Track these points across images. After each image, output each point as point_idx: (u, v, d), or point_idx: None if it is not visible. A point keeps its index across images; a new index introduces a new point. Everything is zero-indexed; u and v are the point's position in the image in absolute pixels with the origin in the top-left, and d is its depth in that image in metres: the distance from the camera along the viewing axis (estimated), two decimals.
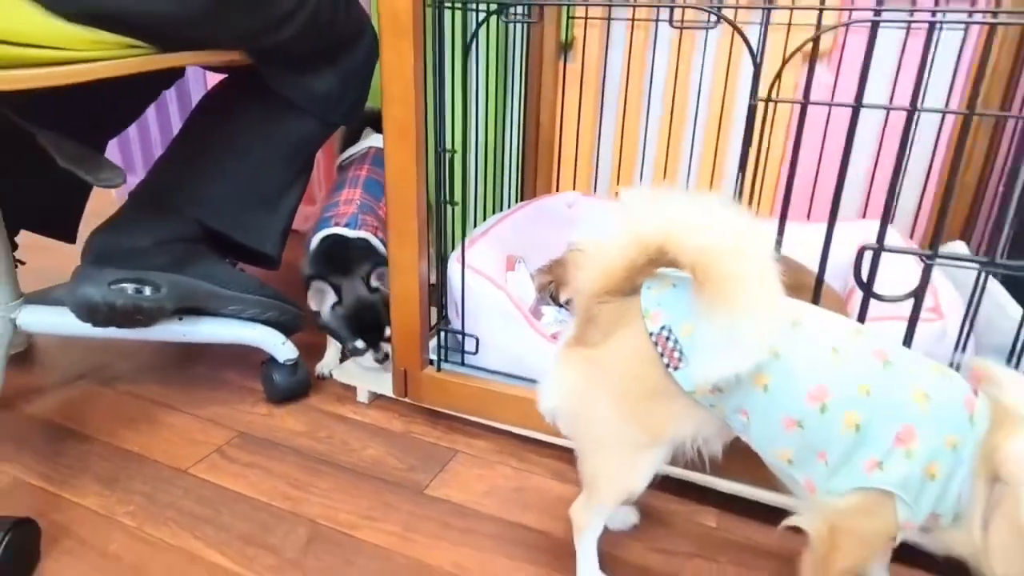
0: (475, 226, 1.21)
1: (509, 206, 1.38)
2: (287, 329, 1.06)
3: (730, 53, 1.31)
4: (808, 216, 1.32)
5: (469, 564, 0.76)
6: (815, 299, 0.74)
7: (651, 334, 0.62)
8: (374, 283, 1.03)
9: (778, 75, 0.71)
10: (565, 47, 1.45)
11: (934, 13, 0.66)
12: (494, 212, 1.35)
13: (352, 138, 1.38)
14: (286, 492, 0.87)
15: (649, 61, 1.41)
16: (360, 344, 1.05)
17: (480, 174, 1.36)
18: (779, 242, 0.75)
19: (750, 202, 0.87)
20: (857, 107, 0.67)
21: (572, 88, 1.46)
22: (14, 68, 0.69)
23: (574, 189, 1.48)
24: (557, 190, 1.50)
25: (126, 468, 0.90)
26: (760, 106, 0.72)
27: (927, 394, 0.57)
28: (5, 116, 0.84)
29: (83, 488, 0.86)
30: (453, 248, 1.00)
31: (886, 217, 0.70)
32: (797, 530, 0.62)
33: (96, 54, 0.76)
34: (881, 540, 0.60)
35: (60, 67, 0.71)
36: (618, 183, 1.48)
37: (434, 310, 1.03)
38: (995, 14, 0.66)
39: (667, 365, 0.61)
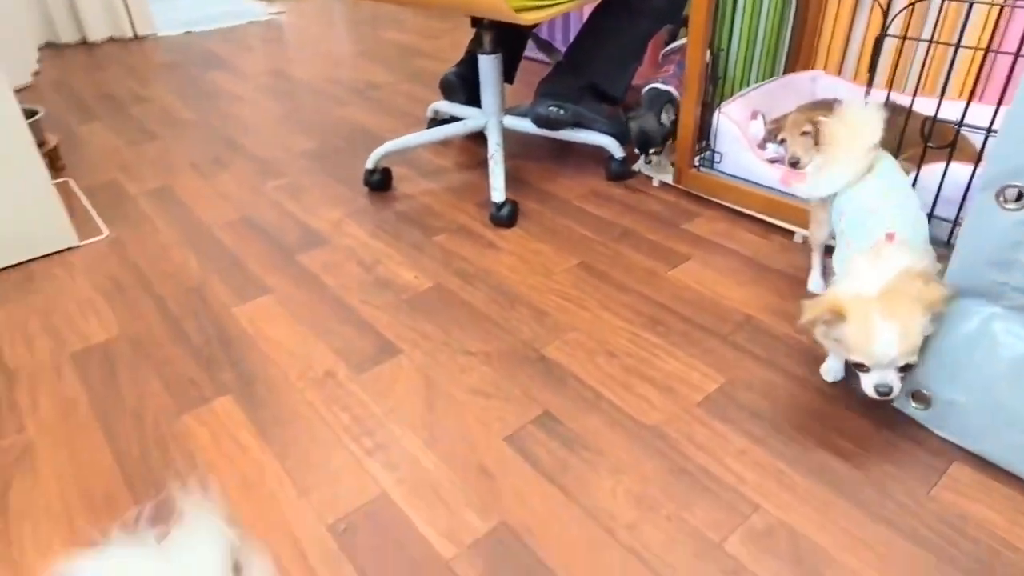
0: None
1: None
2: (622, 140, 1.98)
3: None
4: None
5: (695, 253, 1.65)
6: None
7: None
8: (663, 118, 1.86)
9: (886, 17, 1.34)
10: None
11: None
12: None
13: (672, 38, 2.18)
14: (614, 217, 1.83)
15: None
16: (652, 151, 1.93)
17: (760, 58, 2.06)
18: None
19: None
20: (928, 41, 1.30)
21: None
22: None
23: (824, 70, 2.08)
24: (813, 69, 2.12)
25: (543, 196, 1.94)
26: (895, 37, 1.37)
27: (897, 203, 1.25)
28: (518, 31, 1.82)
29: (529, 200, 1.92)
30: (721, 102, 1.79)
31: (941, 97, 1.32)
32: None
33: None
34: None
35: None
36: (857, 66, 2.04)
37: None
38: None
39: None
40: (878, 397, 1.03)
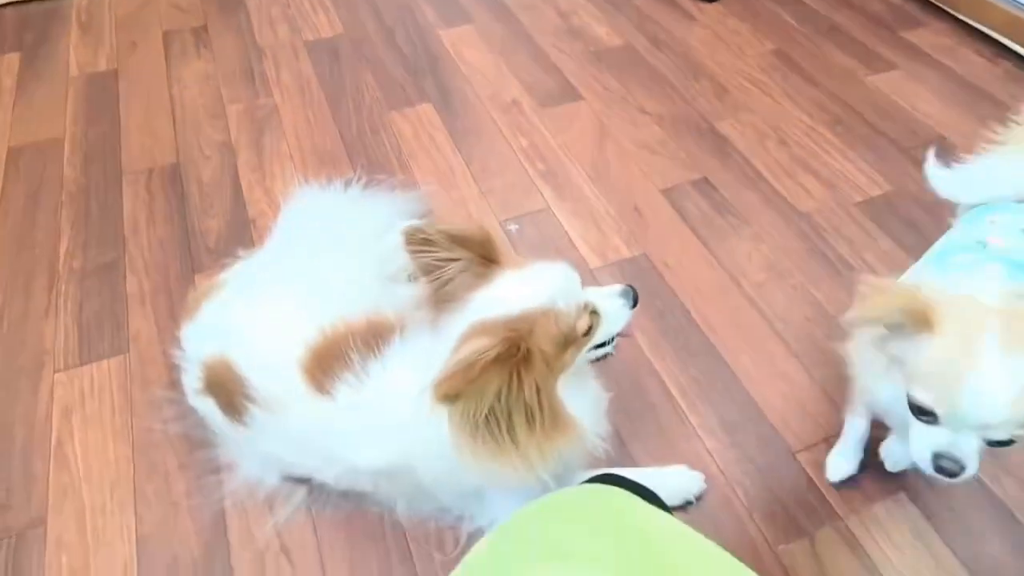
0: None
1: None
2: None
3: None
4: None
5: (904, 63, 1.54)
6: None
7: None
8: None
9: None
10: None
11: None
12: None
13: None
14: (826, 10, 1.70)
15: None
16: None
17: None
18: None
19: None
20: None
21: None
22: None
23: None
24: None
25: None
26: None
27: None
28: None
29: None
30: None
31: None
32: None
33: None
34: None
35: None
36: None
37: None
38: None
39: None
40: (932, 472, 0.59)
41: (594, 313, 0.67)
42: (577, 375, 0.69)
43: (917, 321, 0.56)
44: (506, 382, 0.58)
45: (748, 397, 0.98)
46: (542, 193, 1.25)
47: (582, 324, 0.65)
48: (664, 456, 0.92)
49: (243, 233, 1.16)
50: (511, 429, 0.59)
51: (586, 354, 0.69)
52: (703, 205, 1.23)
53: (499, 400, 0.58)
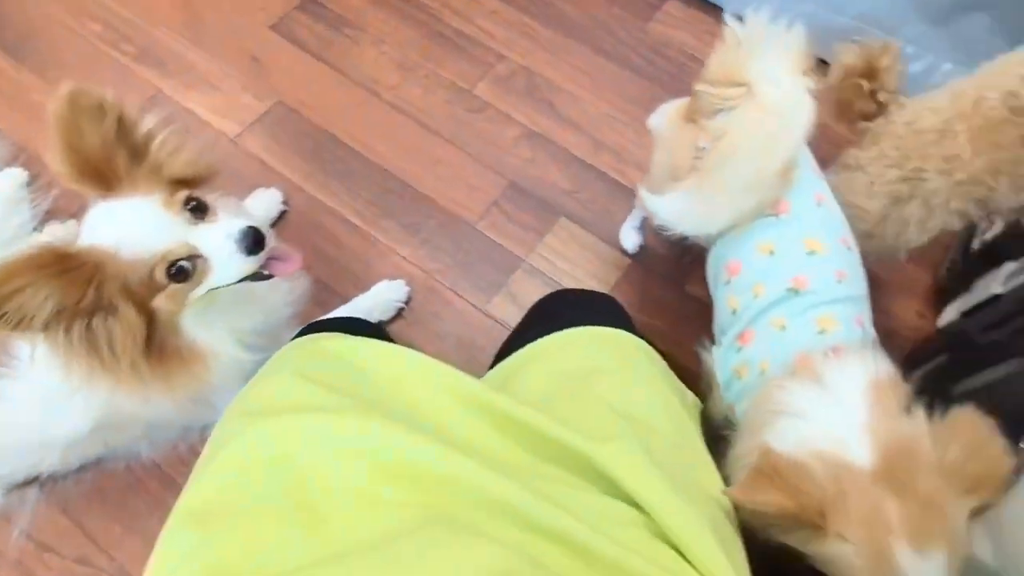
0: None
1: None
2: None
3: None
4: None
5: None
6: None
7: None
8: None
9: None
10: None
11: None
12: None
13: None
14: None
15: None
16: None
17: None
18: None
19: None
20: None
21: None
22: None
23: None
24: None
25: None
26: None
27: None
28: None
29: None
30: None
31: None
32: None
33: None
34: None
35: None
36: None
37: None
38: None
39: None
40: None
41: (198, 257, 0.62)
42: (235, 301, 0.69)
43: (809, 527, 0.50)
44: (74, 297, 0.57)
45: (419, 194, 1.05)
46: (146, 79, 1.12)
47: (159, 273, 0.60)
48: (369, 281, 0.98)
49: None
50: (117, 354, 0.59)
51: (228, 286, 0.65)
52: (316, 28, 1.19)
53: (75, 316, 0.57)
